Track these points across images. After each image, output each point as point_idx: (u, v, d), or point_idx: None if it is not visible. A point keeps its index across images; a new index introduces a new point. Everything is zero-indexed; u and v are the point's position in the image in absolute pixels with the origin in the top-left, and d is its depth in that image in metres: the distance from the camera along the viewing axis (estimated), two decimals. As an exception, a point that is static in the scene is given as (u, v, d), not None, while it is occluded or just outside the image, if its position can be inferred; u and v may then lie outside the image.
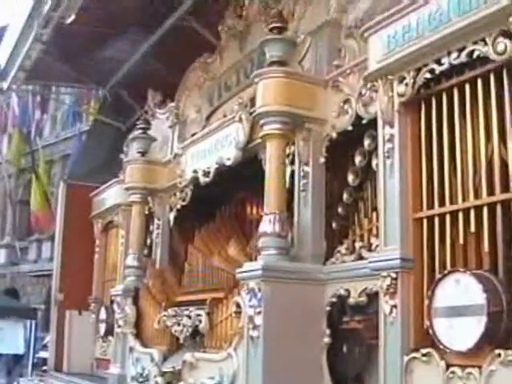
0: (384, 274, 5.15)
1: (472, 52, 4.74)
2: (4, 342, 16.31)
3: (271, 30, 6.47)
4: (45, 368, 12.09)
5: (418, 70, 5.14)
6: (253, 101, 7.24)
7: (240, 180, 8.17)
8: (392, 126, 5.37)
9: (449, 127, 5.07)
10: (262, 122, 6.35)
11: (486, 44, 4.63)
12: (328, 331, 5.98)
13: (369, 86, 5.78)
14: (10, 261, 31.40)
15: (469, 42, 4.75)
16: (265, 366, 5.71)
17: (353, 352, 6.02)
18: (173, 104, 9.73)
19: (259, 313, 5.79)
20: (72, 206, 11.82)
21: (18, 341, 16.62)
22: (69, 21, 9.37)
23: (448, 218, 4.96)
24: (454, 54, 4.86)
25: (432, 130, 5.19)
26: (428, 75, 5.09)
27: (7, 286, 30.73)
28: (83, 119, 26.23)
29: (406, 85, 5.24)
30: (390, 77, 5.37)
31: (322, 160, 6.38)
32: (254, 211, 8.76)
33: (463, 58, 4.81)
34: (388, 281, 5.10)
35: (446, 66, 4.94)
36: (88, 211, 11.67)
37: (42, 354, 17.43)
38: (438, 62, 4.99)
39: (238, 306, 6.10)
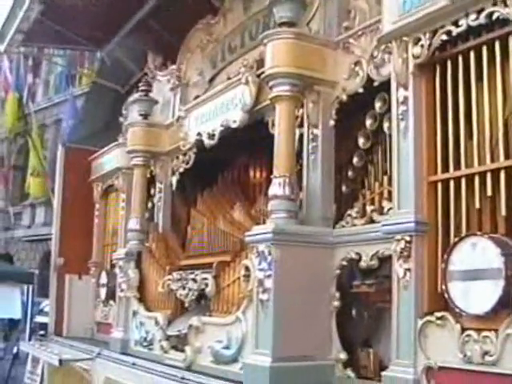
0: (398, 237, 5.11)
1: (491, 14, 4.65)
2: (1, 307, 16.22)
3: (280, -10, 6.33)
4: (42, 333, 12.05)
5: (435, 32, 5.05)
6: (258, 63, 7.16)
7: (242, 144, 8.12)
8: (406, 89, 5.28)
9: (465, 90, 5.00)
10: (271, 83, 6.24)
11: (506, 5, 4.54)
12: (338, 295, 5.96)
13: (382, 47, 5.69)
14: (3, 226, 31.40)
15: (488, 3, 4.66)
16: (275, 329, 5.69)
17: (362, 316, 6.02)
18: (174, 66, 9.61)
19: (269, 276, 5.75)
20: (71, 169, 11.67)
21: (15, 305, 16.52)
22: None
23: (463, 181, 4.91)
24: (473, 16, 4.76)
25: (447, 92, 5.12)
26: (444, 37, 5.00)
27: (1, 252, 30.74)
28: (76, 83, 26.08)
29: (422, 46, 5.15)
30: (404, 38, 5.27)
31: (332, 123, 6.29)
32: (257, 175, 8.71)
33: (482, 19, 4.71)
34: (402, 244, 5.07)
35: (463, 28, 4.85)
36: (87, 175, 11.58)
37: (39, 319, 17.42)
38: (456, 24, 4.89)
39: (247, 269, 6.06)
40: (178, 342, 7.34)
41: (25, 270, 20.87)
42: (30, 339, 13.98)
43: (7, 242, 31.23)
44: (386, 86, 5.65)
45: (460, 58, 5.05)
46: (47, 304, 13.58)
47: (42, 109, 29.40)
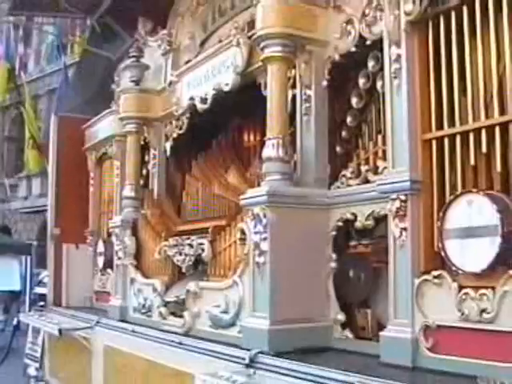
0: (393, 196, 5.07)
1: (483, -34, 4.58)
2: (0, 279, 16.21)
3: (268, -50, 6.21)
4: (42, 303, 12.07)
5: (426, -13, 4.98)
6: (249, 24, 7.07)
7: (235, 107, 8.03)
8: (399, 46, 5.20)
9: (458, 46, 4.92)
10: (262, 44, 6.13)
11: (497, -43, 4.47)
12: (334, 256, 5.93)
13: (373, 5, 5.60)
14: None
15: (480, -46, 4.59)
16: (272, 292, 5.66)
17: (359, 277, 5.99)
18: (165, 31, 9.51)
19: (265, 239, 5.71)
20: (64, 139, 11.55)
21: (15, 277, 16.52)
22: None
23: (458, 138, 4.86)
24: (464, -31, 4.70)
25: (440, 49, 5.04)
26: (436, -8, 4.94)
27: (-2, 224, 30.77)
28: (68, 52, 25.88)
29: (414, 3, 5.06)
30: (396, -6, 5.20)
31: (325, 83, 6.20)
32: (251, 138, 8.64)
33: (473, -28, 4.65)
34: (397, 203, 5.03)
35: (455, -18, 4.79)
36: (81, 144, 11.50)
37: (39, 290, 17.45)
38: (447, -22, 4.83)
39: (243, 232, 6.04)
40: (176, 308, 7.35)
41: (23, 242, 20.90)
42: (29, 310, 14.01)
43: (4, 214, 31.25)
44: (378, 44, 5.56)
45: (453, 14, 4.96)
46: (46, 275, 13.60)
47: (34, 79, 29.24)
